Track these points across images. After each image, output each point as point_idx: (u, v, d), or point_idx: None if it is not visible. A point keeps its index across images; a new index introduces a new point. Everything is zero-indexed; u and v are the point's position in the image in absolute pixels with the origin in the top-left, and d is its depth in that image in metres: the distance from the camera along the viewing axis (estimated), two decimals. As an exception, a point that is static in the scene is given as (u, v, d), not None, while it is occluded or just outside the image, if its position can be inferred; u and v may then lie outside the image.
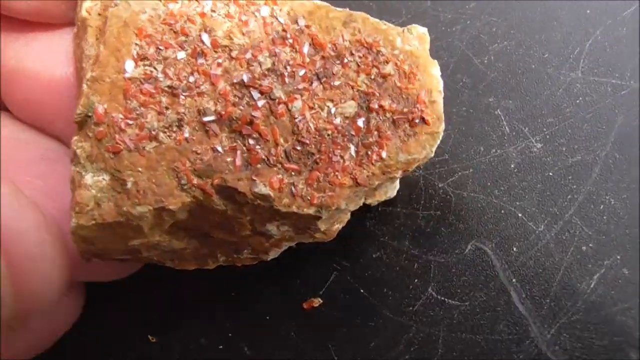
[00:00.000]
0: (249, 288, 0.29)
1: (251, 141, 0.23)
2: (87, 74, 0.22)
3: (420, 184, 0.29)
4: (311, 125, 0.23)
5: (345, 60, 0.24)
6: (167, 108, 0.22)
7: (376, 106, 0.24)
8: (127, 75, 0.22)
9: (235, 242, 0.25)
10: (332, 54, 0.24)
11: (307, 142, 0.23)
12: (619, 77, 0.29)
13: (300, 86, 0.23)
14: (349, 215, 0.26)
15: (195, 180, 0.23)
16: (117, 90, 0.22)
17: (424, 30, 0.25)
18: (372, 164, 0.24)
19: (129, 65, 0.22)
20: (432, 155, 0.25)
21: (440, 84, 0.25)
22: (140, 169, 0.22)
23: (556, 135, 0.28)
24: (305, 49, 0.24)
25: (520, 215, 0.27)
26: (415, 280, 0.28)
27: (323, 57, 0.24)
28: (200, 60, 0.23)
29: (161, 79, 0.22)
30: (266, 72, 0.23)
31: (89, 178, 0.22)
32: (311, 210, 0.24)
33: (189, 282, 0.29)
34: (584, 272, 0.25)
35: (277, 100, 0.23)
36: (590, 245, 0.26)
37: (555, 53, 0.30)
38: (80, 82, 0.23)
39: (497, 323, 0.26)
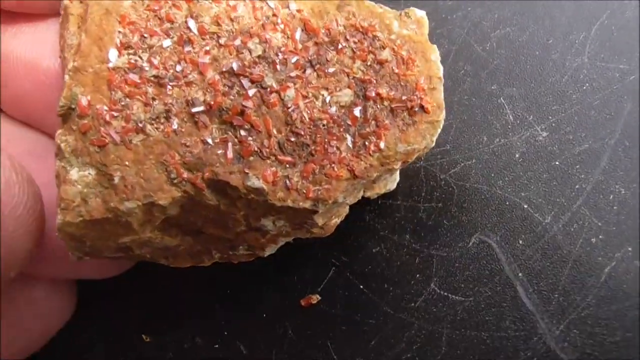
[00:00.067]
0: (245, 285, 0.28)
1: (243, 132, 0.22)
2: (69, 64, 0.21)
3: (421, 176, 0.28)
4: (305, 115, 0.22)
5: (340, 46, 0.23)
6: (153, 99, 0.21)
7: (373, 94, 0.22)
8: (110, 64, 0.21)
9: (230, 238, 0.24)
10: (326, 39, 0.22)
11: (302, 132, 0.22)
12: (627, 62, 0.27)
13: (293, 74, 0.22)
14: (347, 209, 0.25)
15: (185, 174, 0.22)
16: (101, 80, 0.21)
17: (422, 13, 0.24)
18: (370, 155, 0.22)
19: (113, 54, 0.21)
20: (433, 145, 0.24)
21: (440, 70, 0.24)
22: (127, 163, 0.21)
23: (562, 123, 0.27)
24: (298, 34, 0.22)
25: (525, 206, 0.26)
26: (417, 276, 0.26)
27: (316, 43, 0.22)
28: (187, 48, 0.21)
29: (147, 69, 0.21)
30: (257, 60, 0.22)
31: (74, 173, 0.21)
32: (307, 204, 0.22)
33: (183, 279, 0.28)
34: (593, 265, 0.24)
35: (268, 89, 0.22)
36: (600, 236, 0.25)
37: (560, 38, 0.29)
38: (64, 74, 0.22)
39: (503, 319, 0.24)
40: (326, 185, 0.22)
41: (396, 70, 0.23)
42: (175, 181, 0.22)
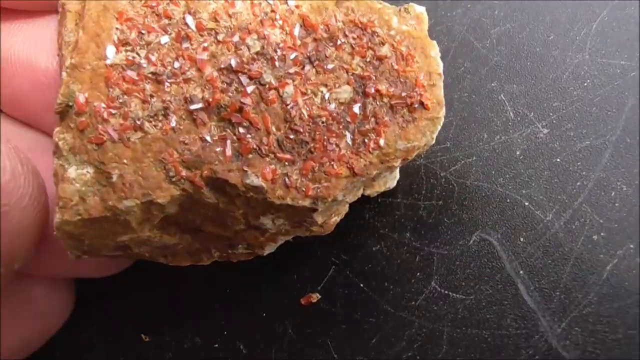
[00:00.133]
0: (244, 284, 0.28)
1: (241, 130, 0.22)
2: (67, 61, 0.21)
3: (422, 173, 0.28)
4: (304, 112, 0.22)
5: (339, 42, 0.22)
6: (151, 96, 0.21)
7: (372, 91, 0.22)
8: (108, 61, 0.21)
9: (229, 237, 0.24)
10: (325, 35, 0.22)
11: (301, 130, 0.22)
12: (628, 58, 0.27)
13: (292, 70, 0.22)
14: (347, 207, 0.25)
15: (183, 172, 0.21)
16: (99, 77, 0.21)
17: (421, 9, 0.24)
18: (370, 152, 0.22)
19: (110, 51, 0.21)
20: (433, 142, 0.23)
21: (440, 66, 0.23)
22: (125, 161, 0.21)
23: (563, 120, 0.27)
24: (296, 30, 0.22)
25: (527, 204, 0.26)
26: (418, 274, 0.26)
27: (315, 39, 0.22)
28: (185, 45, 0.21)
29: (144, 65, 0.21)
30: (255, 56, 0.22)
31: (72, 171, 0.21)
32: (306, 202, 0.22)
33: (182, 278, 0.27)
34: (595, 263, 0.24)
35: (267, 85, 0.22)
36: (602, 234, 0.24)
37: (561, 35, 0.29)
38: (61, 71, 0.22)
39: (504, 317, 0.24)
40: (325, 183, 0.22)
41: (395, 67, 0.23)
42: (173, 179, 0.21)
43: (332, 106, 0.22)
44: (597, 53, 0.27)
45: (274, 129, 0.22)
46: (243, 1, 0.22)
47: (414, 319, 0.25)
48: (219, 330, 0.27)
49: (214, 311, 0.28)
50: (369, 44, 0.23)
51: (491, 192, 0.27)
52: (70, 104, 0.21)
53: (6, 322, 0.25)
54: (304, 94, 0.22)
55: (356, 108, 0.22)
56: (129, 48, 0.21)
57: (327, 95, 0.22)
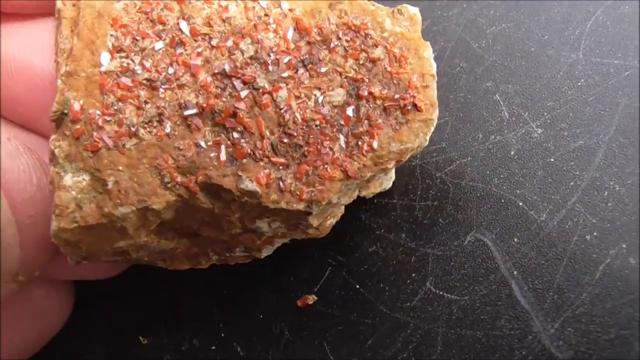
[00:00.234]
0: (241, 286, 0.28)
1: (235, 134, 0.22)
2: (62, 69, 0.21)
3: (417, 174, 0.28)
4: (298, 115, 0.22)
5: (332, 45, 0.23)
6: (146, 102, 0.21)
7: (366, 93, 0.23)
8: (102, 68, 0.21)
9: (226, 240, 0.25)
10: (318, 38, 0.23)
11: (294, 133, 0.22)
12: (622, 58, 0.27)
13: (285, 74, 0.22)
14: (342, 209, 0.25)
15: (178, 178, 0.22)
16: (93, 85, 0.21)
17: (415, 10, 0.24)
18: (363, 154, 0.23)
19: (105, 57, 0.21)
20: (426, 144, 0.24)
21: (433, 68, 0.24)
22: (120, 168, 0.21)
23: (557, 120, 0.27)
24: (290, 34, 0.22)
25: (521, 204, 0.26)
26: (413, 275, 0.27)
27: (308, 43, 0.22)
28: (179, 50, 0.22)
29: (139, 72, 0.21)
30: (249, 61, 0.22)
31: (68, 179, 0.21)
32: (301, 206, 0.22)
33: (180, 281, 0.28)
34: (588, 263, 0.24)
35: (261, 90, 0.22)
36: (595, 234, 0.25)
37: (555, 34, 0.29)
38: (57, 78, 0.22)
39: (498, 318, 0.25)
40: (320, 186, 0.22)
41: (389, 69, 0.23)
42: (169, 185, 0.22)
43: (326, 109, 0.22)
44: (592, 52, 0.28)
45: (267, 133, 0.22)
46: (237, 5, 0.22)
47: (409, 320, 0.26)
48: (216, 332, 0.28)
49: (212, 313, 0.28)
50: (362, 46, 0.23)
51: (486, 192, 0.27)
52: (66, 111, 0.21)
53: (6, 323, 0.25)
54: (297, 97, 0.22)
55: (349, 111, 0.23)
56: (123, 54, 0.21)
57: (320, 99, 0.22)
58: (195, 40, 0.22)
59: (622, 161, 0.25)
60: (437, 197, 0.28)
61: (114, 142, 0.21)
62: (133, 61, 0.21)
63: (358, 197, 0.26)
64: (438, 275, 0.26)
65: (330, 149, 0.22)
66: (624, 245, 0.24)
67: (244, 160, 0.22)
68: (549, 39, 0.29)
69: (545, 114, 0.27)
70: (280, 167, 0.22)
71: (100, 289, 0.29)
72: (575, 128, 0.27)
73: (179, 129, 0.22)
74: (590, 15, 0.28)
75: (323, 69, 0.22)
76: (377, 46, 0.23)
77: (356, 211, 0.28)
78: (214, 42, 0.22)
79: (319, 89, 0.22)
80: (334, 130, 0.22)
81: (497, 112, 0.28)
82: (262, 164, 0.22)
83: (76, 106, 0.21)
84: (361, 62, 0.23)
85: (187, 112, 0.21)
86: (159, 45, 0.21)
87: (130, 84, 0.21)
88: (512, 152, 0.27)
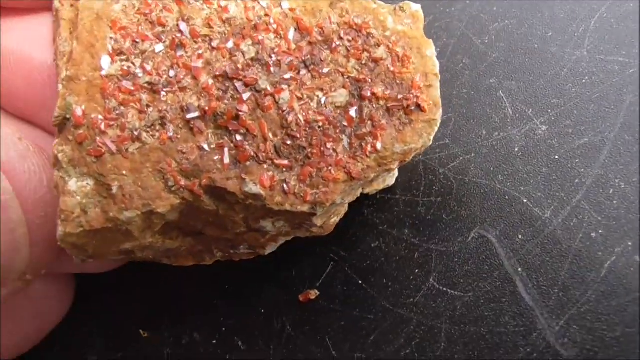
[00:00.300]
0: (243, 281, 0.27)
1: (238, 137, 0.21)
2: (62, 73, 0.20)
3: (420, 170, 0.27)
4: (301, 117, 0.21)
5: (334, 45, 0.21)
6: (148, 106, 0.20)
7: (369, 94, 0.21)
8: (103, 72, 0.20)
9: (230, 239, 0.24)
10: (320, 38, 0.21)
11: (298, 135, 0.21)
12: (626, 55, 0.26)
13: (287, 76, 0.21)
14: (346, 207, 0.24)
15: (182, 182, 0.21)
16: (95, 89, 0.20)
17: (417, 7, 0.22)
18: (367, 156, 0.21)
19: (105, 61, 0.20)
20: (430, 143, 0.23)
21: (436, 66, 0.22)
22: (124, 172, 0.20)
23: (562, 117, 0.26)
24: (291, 34, 0.21)
25: (525, 201, 0.25)
26: (416, 271, 0.26)
27: (310, 43, 0.21)
28: (180, 52, 0.20)
29: (140, 75, 0.20)
30: (250, 62, 0.21)
31: (72, 184, 0.20)
32: (305, 208, 0.21)
33: (181, 275, 0.27)
34: (593, 260, 0.23)
35: (263, 92, 0.21)
36: (600, 231, 0.23)
37: (559, 31, 0.27)
38: (57, 81, 0.21)
39: (502, 315, 0.24)
40: (324, 188, 0.21)
41: (391, 68, 0.22)
42: (173, 189, 0.21)
43: (329, 110, 0.21)
44: (596, 50, 0.26)
45: (271, 135, 0.21)
46: (237, 5, 0.21)
47: (413, 316, 0.25)
48: (218, 326, 0.27)
49: (213, 307, 0.27)
50: (364, 46, 0.22)
51: (490, 189, 0.26)
52: (68, 116, 0.20)
53: (6, 316, 0.25)
54: (300, 99, 0.21)
55: (352, 112, 0.21)
56: (123, 58, 0.20)
57: (323, 100, 0.21)
58: (196, 42, 0.20)
59: (627, 159, 0.24)
60: (441, 193, 0.26)
61: (117, 146, 0.20)
62: (134, 64, 0.20)
63: (361, 194, 0.25)
64: (441, 272, 0.25)
65: (334, 150, 0.21)
66: (629, 243, 0.23)
67: (248, 163, 0.21)
68: (553, 36, 0.27)
69: (549, 111, 0.26)
70: (284, 170, 0.21)
71: (100, 282, 0.28)
72: (580, 125, 0.25)
73: (181, 132, 0.21)
74: (595, 12, 0.27)
75: (325, 70, 0.21)
76: (379, 46, 0.22)
77: (359, 207, 0.27)
78: (214, 44, 0.21)
79: (322, 90, 0.21)
80: (337, 131, 0.21)
81: (501, 108, 0.27)
82: (265, 166, 0.21)
83: (78, 111, 0.20)
84: (363, 62, 0.22)
85: (189, 116, 0.20)
86: (159, 47, 0.20)
87: (132, 88, 0.20)
88: (516, 149, 0.26)
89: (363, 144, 0.21)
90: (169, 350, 0.27)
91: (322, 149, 0.21)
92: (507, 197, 0.25)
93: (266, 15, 0.21)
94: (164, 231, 0.22)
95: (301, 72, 0.21)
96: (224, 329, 0.27)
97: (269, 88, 0.21)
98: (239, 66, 0.21)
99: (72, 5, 0.21)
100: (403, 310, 0.25)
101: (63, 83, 0.20)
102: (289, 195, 0.21)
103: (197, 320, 0.27)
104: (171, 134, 0.20)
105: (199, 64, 0.20)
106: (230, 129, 0.21)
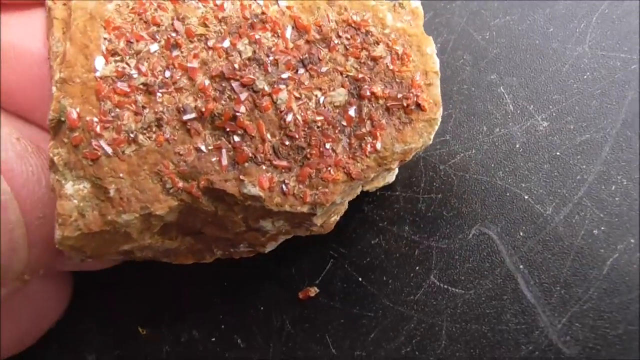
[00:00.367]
0: (242, 278, 0.26)
1: (236, 138, 0.20)
2: (56, 75, 0.19)
3: (421, 167, 0.26)
4: (299, 117, 0.20)
5: (332, 44, 0.20)
6: (143, 107, 0.19)
7: (368, 93, 0.20)
8: (98, 74, 0.19)
9: (230, 238, 0.23)
10: (318, 37, 0.20)
11: (296, 136, 0.20)
12: (628, 51, 0.25)
13: (285, 75, 0.20)
14: (346, 206, 0.23)
15: (180, 184, 0.20)
16: (89, 91, 0.19)
17: (417, 3, 0.21)
18: (367, 156, 0.20)
19: (99, 62, 0.19)
20: (430, 142, 0.21)
21: (436, 64, 0.21)
22: (121, 175, 0.19)
23: (563, 113, 0.24)
24: (288, 33, 0.20)
25: (526, 197, 0.24)
26: (417, 268, 0.25)
27: (308, 41, 0.20)
28: (175, 52, 0.19)
29: (135, 76, 0.19)
30: (247, 62, 0.19)
31: (69, 187, 0.19)
32: (304, 209, 0.20)
33: (180, 272, 0.26)
34: (595, 257, 0.22)
35: (260, 92, 0.20)
36: (602, 228, 0.22)
37: (561, 27, 0.26)
38: (51, 82, 0.20)
39: (503, 312, 0.23)
40: (323, 189, 0.20)
41: (391, 67, 0.21)
42: (170, 191, 0.20)
43: (327, 110, 0.20)
44: (597, 46, 0.25)
45: (269, 136, 0.20)
46: (232, 3, 0.20)
47: (413, 314, 0.24)
48: (217, 323, 0.26)
49: (212, 305, 0.26)
50: (363, 44, 0.20)
51: (491, 185, 0.25)
52: (63, 119, 0.19)
53: (3, 314, 0.24)
54: (298, 99, 0.20)
55: (351, 111, 0.20)
56: (118, 58, 0.19)
57: (321, 99, 0.20)
58: (191, 42, 0.19)
59: (629, 155, 0.23)
60: (441, 189, 0.25)
61: (113, 149, 0.19)
62: (128, 65, 0.19)
63: (361, 191, 0.23)
64: (442, 269, 0.24)
65: (333, 150, 0.20)
66: (631, 240, 0.22)
67: (246, 164, 0.20)
68: (554, 32, 0.26)
69: (550, 107, 0.25)
70: (283, 171, 0.20)
71: (98, 279, 0.27)
72: (581, 122, 0.24)
73: (178, 133, 0.19)
74: (596, 8, 0.26)
75: (323, 69, 0.20)
76: (378, 44, 0.20)
77: (359, 204, 0.26)
78: (210, 43, 0.19)
79: (320, 89, 0.20)
80: (336, 131, 0.20)
81: (502, 104, 0.26)
82: (264, 167, 0.20)
83: (73, 114, 0.19)
84: (362, 60, 0.20)
85: (186, 117, 0.19)
86: (154, 47, 0.19)
87: (127, 89, 0.19)
88: (517, 145, 0.25)
89: (362, 144, 0.20)
90: (167, 347, 0.26)
91: (321, 149, 0.20)
92: (508, 194, 0.24)
93: (263, 13, 0.20)
94: (163, 232, 0.22)
95: (299, 72, 0.20)
96: (223, 326, 0.26)
97: (266, 88, 0.20)
98: (236, 66, 0.19)
99: (64, 4, 0.19)
100: (403, 308, 0.24)
101: (57, 85, 0.19)
102: (288, 196, 0.20)
103: (196, 318, 0.26)
104: (168, 136, 0.19)
105: (195, 64, 0.19)
106: (228, 129, 0.20)
